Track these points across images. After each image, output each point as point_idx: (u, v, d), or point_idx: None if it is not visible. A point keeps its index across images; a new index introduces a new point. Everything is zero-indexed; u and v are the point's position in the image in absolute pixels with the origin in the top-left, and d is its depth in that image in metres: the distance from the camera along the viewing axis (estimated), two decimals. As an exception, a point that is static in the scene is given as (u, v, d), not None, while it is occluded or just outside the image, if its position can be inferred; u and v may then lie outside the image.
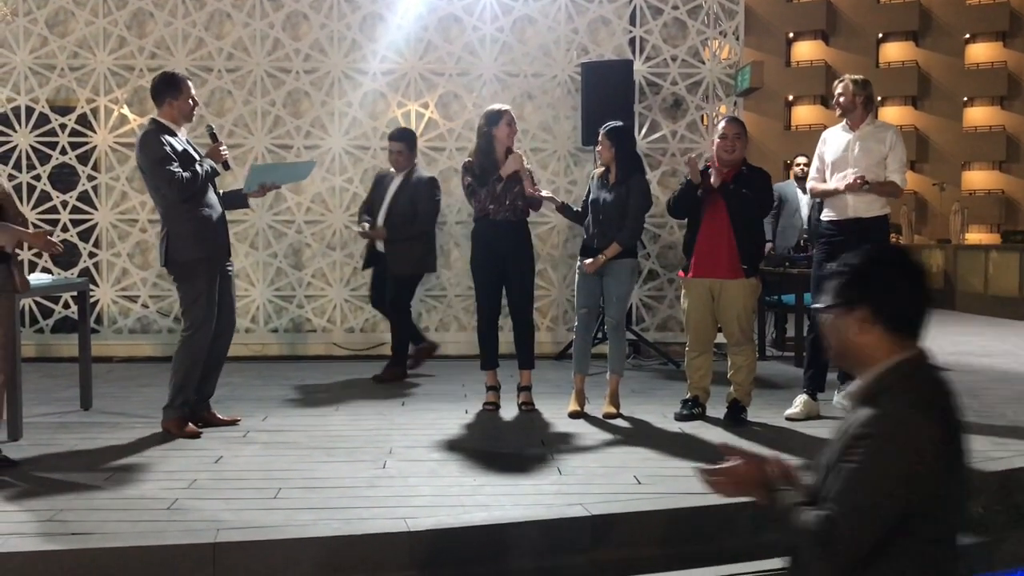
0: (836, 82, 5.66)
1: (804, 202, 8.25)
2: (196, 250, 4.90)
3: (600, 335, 6.46)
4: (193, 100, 5.05)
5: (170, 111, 4.98)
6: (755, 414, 5.42)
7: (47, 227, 4.39)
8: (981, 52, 43.91)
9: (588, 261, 5.45)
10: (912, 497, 1.82)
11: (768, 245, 8.29)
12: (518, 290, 5.61)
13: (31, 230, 4.25)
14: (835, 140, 5.57)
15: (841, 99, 5.51)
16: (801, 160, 8.59)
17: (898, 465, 1.81)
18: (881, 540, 1.84)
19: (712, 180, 5.17)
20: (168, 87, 4.98)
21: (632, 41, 8.11)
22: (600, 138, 5.53)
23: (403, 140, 6.75)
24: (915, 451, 1.81)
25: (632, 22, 8.12)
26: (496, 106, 5.66)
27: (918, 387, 1.91)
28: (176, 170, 4.82)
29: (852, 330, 1.97)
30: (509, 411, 5.61)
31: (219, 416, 5.21)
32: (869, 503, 1.82)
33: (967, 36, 43.23)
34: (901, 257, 2.02)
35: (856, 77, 5.55)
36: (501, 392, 5.74)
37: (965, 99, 43.37)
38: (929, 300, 1.99)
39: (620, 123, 5.64)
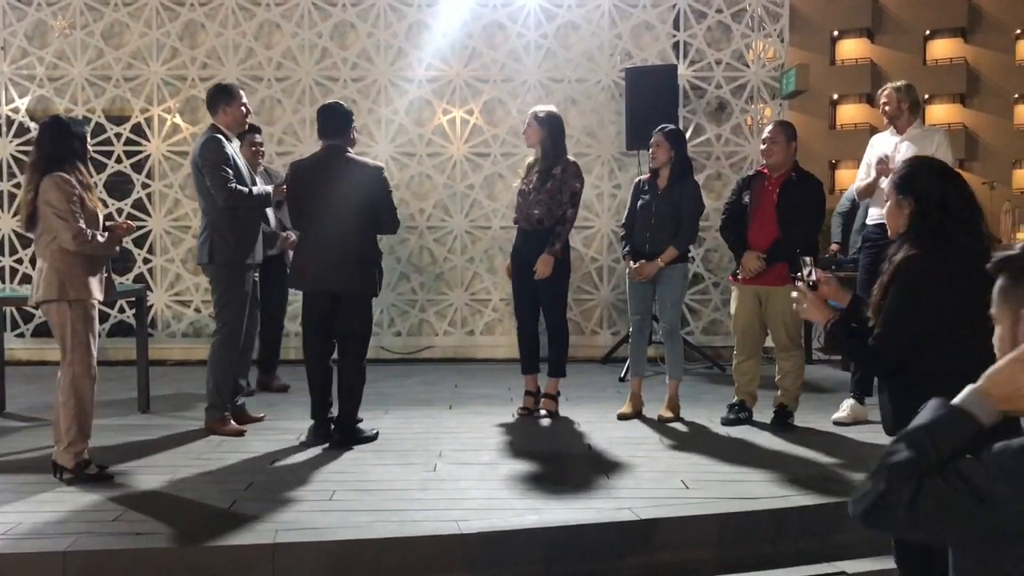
0: (880, 91, 5.63)
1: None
2: (237, 254, 5.10)
3: (653, 338, 6.47)
4: (245, 108, 5.24)
5: (224, 118, 5.17)
6: (802, 419, 5.42)
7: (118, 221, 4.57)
8: (1033, 48, 43.02)
9: (639, 264, 5.45)
10: None
11: (834, 247, 8.26)
12: (546, 298, 5.60)
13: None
14: (882, 145, 5.55)
15: (887, 107, 5.47)
16: None
17: None
18: None
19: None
20: (222, 94, 5.20)
21: (676, 45, 8.13)
22: (657, 138, 5.49)
23: None
24: None
25: (676, 26, 8.14)
26: None
27: None
28: (230, 177, 5.01)
29: None
30: (559, 416, 5.64)
31: (249, 413, 5.43)
32: None
33: (1018, 32, 42.39)
34: None
35: (898, 84, 5.52)
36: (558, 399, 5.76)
37: (1016, 96, 42.52)
38: None
39: (674, 126, 5.66)
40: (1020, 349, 1.53)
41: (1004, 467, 1.45)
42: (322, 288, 4.92)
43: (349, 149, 4.98)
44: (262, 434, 5.08)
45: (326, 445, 4.83)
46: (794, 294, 2.90)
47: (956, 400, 1.55)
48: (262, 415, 5.46)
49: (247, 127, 5.59)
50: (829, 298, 2.89)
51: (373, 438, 4.98)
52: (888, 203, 2.79)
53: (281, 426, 5.29)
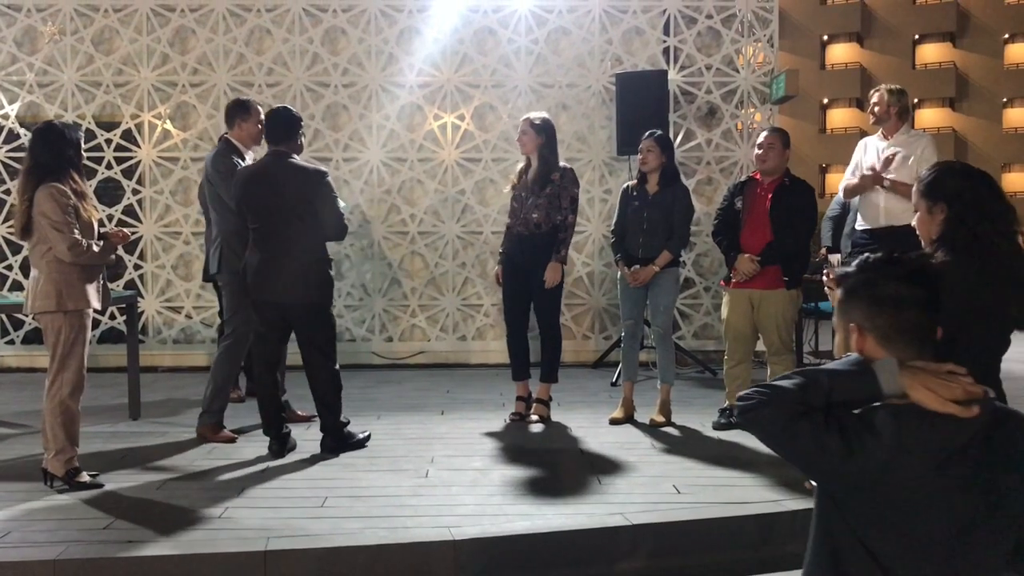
0: (872, 91, 5.67)
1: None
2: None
3: (645, 343, 6.49)
4: (262, 124, 5.27)
5: (239, 132, 5.27)
6: (793, 423, 5.42)
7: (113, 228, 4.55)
8: (1021, 52, 43.24)
9: (635, 269, 5.47)
10: None
11: (824, 251, 8.28)
12: (540, 302, 5.60)
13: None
14: (871, 149, 5.58)
15: (876, 108, 5.52)
16: None
17: None
18: None
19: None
20: (239, 109, 5.30)
21: (666, 51, 8.16)
22: (647, 143, 5.52)
23: None
24: None
25: (666, 32, 8.16)
26: None
27: None
28: None
29: None
30: (550, 421, 5.65)
31: (298, 412, 5.58)
32: None
33: (1006, 36, 42.65)
34: None
35: (892, 87, 5.56)
36: (550, 404, 5.74)
37: (1004, 100, 42.78)
38: None
39: (661, 131, 5.70)
40: (932, 369, 1.73)
41: (873, 426, 1.69)
42: (269, 299, 4.78)
43: (294, 155, 4.85)
44: (253, 441, 5.06)
45: (316, 451, 4.84)
46: (826, 280, 2.85)
47: (874, 364, 1.74)
48: (314, 415, 5.48)
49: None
50: None
51: (364, 441, 4.97)
52: (917, 213, 2.74)
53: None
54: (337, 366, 4.92)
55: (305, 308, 4.78)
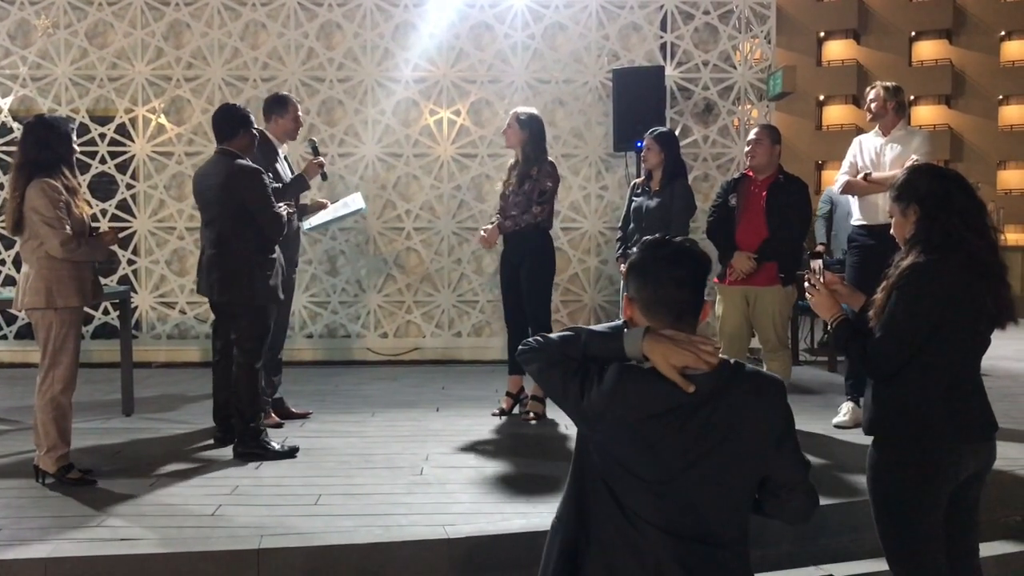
0: (868, 88, 5.66)
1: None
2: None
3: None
4: (297, 120, 5.45)
5: (275, 127, 5.43)
6: (789, 420, 5.40)
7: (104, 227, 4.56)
8: (1016, 49, 43.29)
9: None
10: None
11: (820, 247, 8.27)
12: (527, 298, 5.60)
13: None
14: (868, 146, 5.57)
15: (873, 105, 5.50)
16: None
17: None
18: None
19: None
20: (276, 105, 5.45)
21: (663, 47, 8.13)
22: (648, 141, 5.54)
23: None
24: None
25: (663, 28, 8.13)
26: None
27: None
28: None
29: None
30: (546, 418, 5.62)
31: (292, 409, 5.61)
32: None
33: (1002, 33, 42.70)
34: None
35: (888, 84, 5.55)
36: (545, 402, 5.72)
37: (1000, 97, 42.84)
38: None
39: (667, 128, 5.68)
40: (677, 339, 1.94)
41: (602, 377, 1.95)
42: (205, 295, 4.88)
43: (239, 153, 4.73)
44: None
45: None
46: (807, 286, 2.88)
47: (625, 330, 2.00)
48: (309, 411, 5.69)
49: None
50: (843, 301, 2.89)
51: (285, 454, 4.68)
52: (893, 218, 2.78)
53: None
54: (258, 365, 4.75)
55: (236, 308, 4.74)
